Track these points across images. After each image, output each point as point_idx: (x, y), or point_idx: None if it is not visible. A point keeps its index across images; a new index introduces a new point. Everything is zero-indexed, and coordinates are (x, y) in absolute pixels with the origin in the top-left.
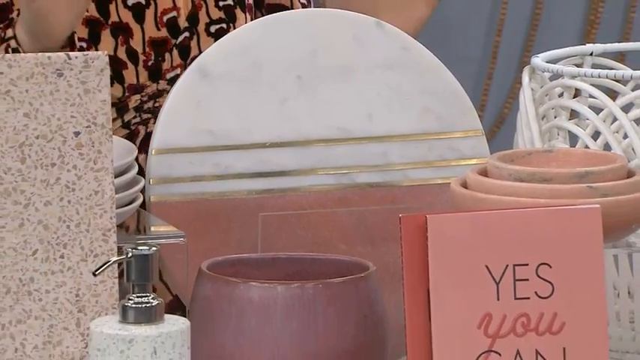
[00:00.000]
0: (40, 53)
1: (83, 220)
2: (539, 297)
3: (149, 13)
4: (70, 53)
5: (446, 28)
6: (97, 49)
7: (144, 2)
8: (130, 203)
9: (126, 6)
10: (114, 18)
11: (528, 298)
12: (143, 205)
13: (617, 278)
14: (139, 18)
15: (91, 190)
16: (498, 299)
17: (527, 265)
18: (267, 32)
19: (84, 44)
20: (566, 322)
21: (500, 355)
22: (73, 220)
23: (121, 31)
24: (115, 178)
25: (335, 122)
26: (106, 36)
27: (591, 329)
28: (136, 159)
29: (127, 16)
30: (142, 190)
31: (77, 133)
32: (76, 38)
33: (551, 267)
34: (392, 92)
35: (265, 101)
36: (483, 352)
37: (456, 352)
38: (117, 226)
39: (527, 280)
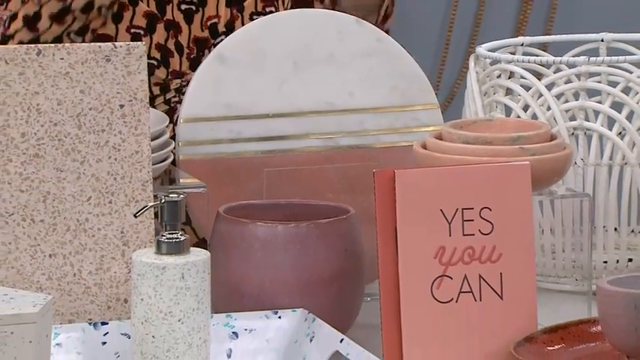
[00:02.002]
0: (92, 43)
1: (127, 174)
2: (482, 233)
3: (197, 17)
4: (116, 43)
5: (408, 26)
6: (151, 38)
7: (194, 8)
8: (163, 161)
9: (179, 9)
10: (168, 16)
11: (473, 234)
12: (174, 163)
13: (541, 219)
14: (189, 19)
15: (132, 150)
16: (450, 235)
17: (472, 208)
18: (271, 27)
19: (141, 32)
20: (502, 253)
21: (451, 278)
22: (119, 173)
23: (173, 27)
24: (152, 141)
25: (323, 98)
26: (160, 29)
27: (522, 259)
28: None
29: (179, 17)
30: (173, 151)
31: (122, 106)
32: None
33: (491, 210)
34: (368, 74)
35: (269, 81)
36: (438, 277)
37: (417, 276)
38: (153, 178)
39: (473, 220)
